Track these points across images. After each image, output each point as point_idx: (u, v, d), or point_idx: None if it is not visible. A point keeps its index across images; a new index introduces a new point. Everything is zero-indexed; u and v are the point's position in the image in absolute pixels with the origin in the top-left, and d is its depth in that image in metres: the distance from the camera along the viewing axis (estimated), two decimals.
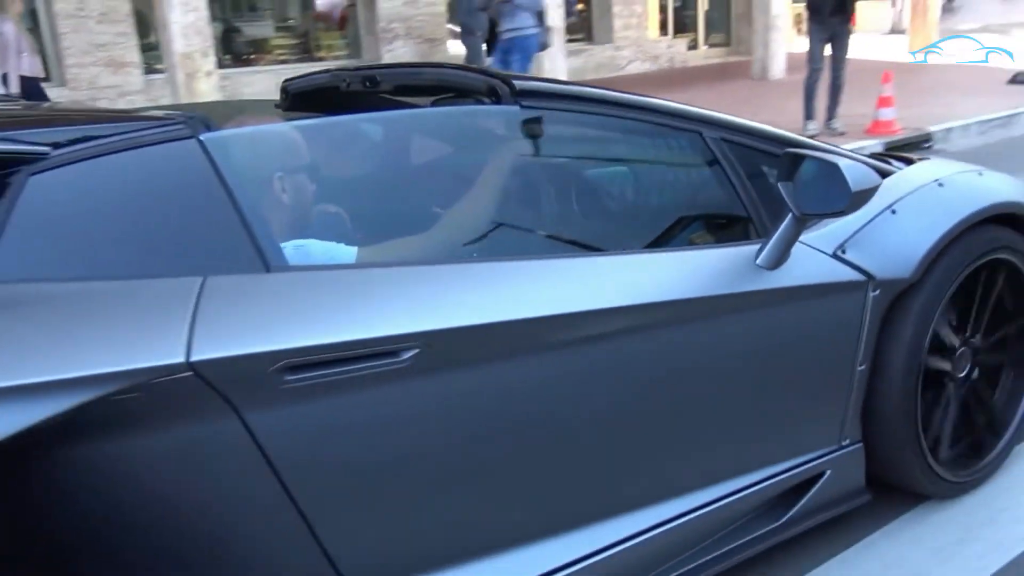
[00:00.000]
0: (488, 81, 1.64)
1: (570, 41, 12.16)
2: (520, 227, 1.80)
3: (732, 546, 1.73)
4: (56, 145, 1.22)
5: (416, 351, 1.26)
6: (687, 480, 1.67)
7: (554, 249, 1.77)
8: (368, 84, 1.89)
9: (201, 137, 1.31)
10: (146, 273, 1.20)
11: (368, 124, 1.91)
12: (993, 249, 1.99)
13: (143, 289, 1.18)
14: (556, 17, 8.23)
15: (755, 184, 1.81)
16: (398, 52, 9.65)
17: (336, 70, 2.05)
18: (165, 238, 1.25)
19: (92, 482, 1.13)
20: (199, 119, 1.34)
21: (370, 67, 1.98)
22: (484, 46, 9.15)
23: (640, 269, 1.58)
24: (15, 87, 6.19)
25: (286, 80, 2.17)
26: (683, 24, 13.32)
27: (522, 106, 1.60)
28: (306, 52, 9.83)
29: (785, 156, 1.63)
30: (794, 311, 1.72)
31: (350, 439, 1.28)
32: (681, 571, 1.66)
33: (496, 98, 1.61)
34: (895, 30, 15.87)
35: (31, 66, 6.43)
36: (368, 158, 1.94)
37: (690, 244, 1.81)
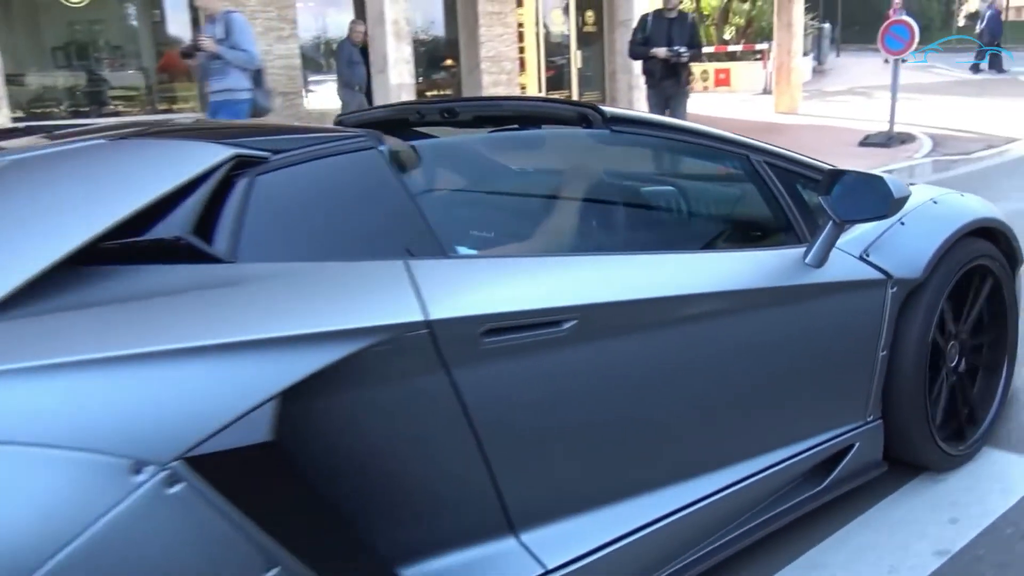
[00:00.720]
0: (579, 110, 1.94)
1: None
2: (628, 226, 2.24)
3: (781, 509, 2.01)
4: (274, 151, 1.46)
5: (574, 322, 1.53)
6: (752, 446, 1.95)
7: (654, 245, 2.17)
8: (446, 115, 2.16)
9: (379, 148, 1.58)
10: (355, 256, 1.44)
11: (492, 142, 2.28)
12: (977, 256, 2.38)
13: (361, 269, 1.42)
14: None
15: (792, 197, 2.15)
16: None
17: (400, 104, 2.45)
18: (366, 228, 1.51)
19: (356, 419, 1.34)
20: (373, 135, 1.62)
21: (444, 100, 2.38)
22: (364, 99, 8.89)
23: (717, 264, 1.92)
24: None
25: (339, 116, 2.48)
26: (558, 81, 13.29)
27: (612, 130, 1.92)
28: (149, 105, 9.27)
29: (826, 174, 1.99)
30: (832, 303, 2.07)
31: (524, 396, 1.52)
32: (743, 529, 1.92)
33: (588, 124, 1.91)
34: (767, 90, 16.26)
35: None
36: (496, 169, 2.35)
37: (748, 245, 2.21)
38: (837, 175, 1.97)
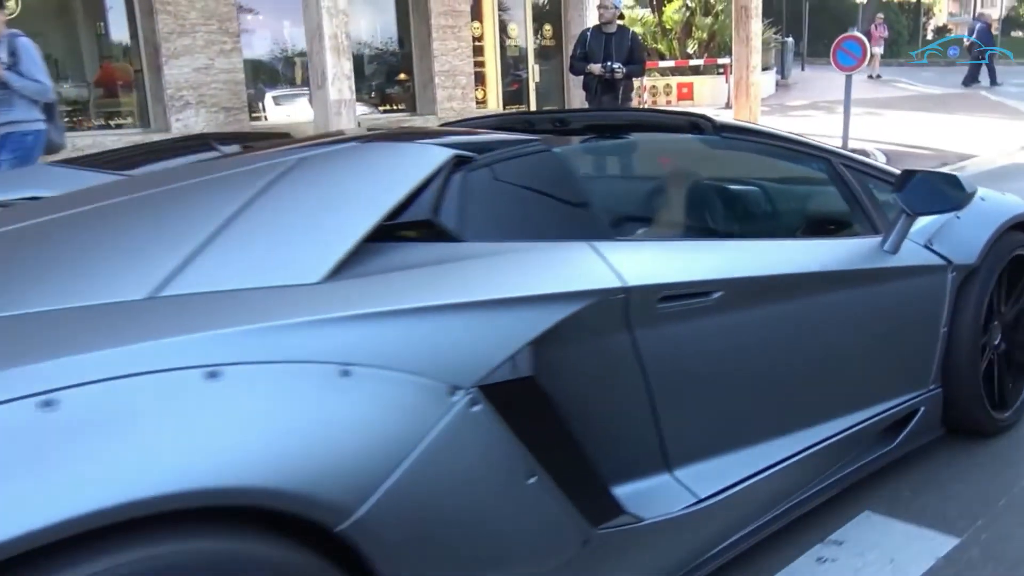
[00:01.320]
0: (691, 119, 2.25)
1: (392, 111, 11.78)
2: (746, 217, 2.53)
3: (863, 463, 2.30)
4: (479, 152, 1.78)
5: (720, 293, 1.83)
6: (846, 404, 2.25)
7: (767, 234, 2.48)
8: (558, 124, 2.41)
9: (554, 150, 1.93)
10: (550, 239, 1.75)
11: (627, 145, 2.55)
12: (1018, 246, 2.70)
13: (559, 247, 1.71)
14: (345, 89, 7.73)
15: (866, 194, 2.47)
16: (190, 121, 8.96)
17: (511, 114, 3.14)
18: (554, 216, 1.85)
19: (578, 362, 1.65)
20: (545, 140, 1.95)
21: (553, 111, 3.12)
22: None
23: (816, 249, 2.23)
24: None
25: (445, 122, 2.85)
26: (517, 95, 13.14)
27: (722, 136, 2.23)
28: (79, 122, 9.00)
29: (900, 174, 2.31)
30: (904, 284, 2.37)
31: (681, 352, 1.79)
32: (838, 476, 2.21)
33: (699, 131, 2.23)
34: (730, 104, 16.19)
35: None
36: (629, 167, 2.69)
37: (837, 235, 2.49)
38: (910, 174, 2.28)
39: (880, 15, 23.89)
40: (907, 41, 35.86)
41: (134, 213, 1.56)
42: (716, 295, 1.84)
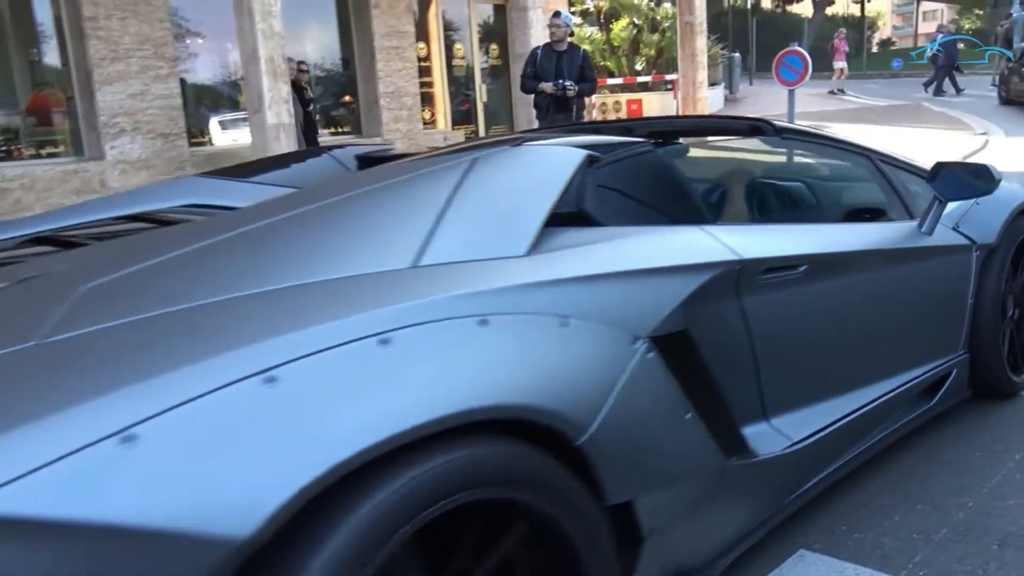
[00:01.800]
0: (753, 124, 2.60)
1: (338, 134, 11.63)
2: (812, 206, 2.83)
3: (910, 418, 2.63)
4: (603, 152, 2.09)
5: (805, 267, 2.16)
6: (898, 365, 2.57)
7: (830, 219, 2.77)
8: (625, 131, 2.58)
9: (658, 151, 2.28)
10: (669, 223, 2.12)
11: (706, 145, 3.01)
12: None
13: (679, 230, 2.03)
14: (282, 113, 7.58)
15: (901, 185, 2.82)
16: (125, 148, 8.72)
17: (583, 123, 3.25)
18: (668, 204, 2.20)
19: (707, 320, 1.89)
20: (648, 141, 2.29)
21: (642, 120, 3.05)
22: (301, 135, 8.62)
23: (870, 231, 2.60)
24: None
25: (522, 131, 3.54)
26: (467, 115, 13.06)
27: (782, 137, 2.60)
28: (12, 151, 8.72)
29: (933, 166, 2.66)
30: (938, 261, 2.72)
31: (777, 316, 2.10)
32: (890, 429, 2.54)
33: (761, 133, 2.57)
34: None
35: None
36: (712, 165, 2.97)
37: (882, 219, 2.76)
38: (941, 166, 2.66)
39: (842, 29, 24.23)
40: (853, 55, 36.52)
41: (369, 205, 1.82)
42: (801, 269, 2.17)
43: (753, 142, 2.92)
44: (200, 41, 10.43)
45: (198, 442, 1.08)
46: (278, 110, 7.58)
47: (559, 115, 7.53)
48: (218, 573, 1.05)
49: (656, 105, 16.92)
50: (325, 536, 1.14)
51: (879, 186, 2.81)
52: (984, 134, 12.29)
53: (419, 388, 1.30)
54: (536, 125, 7.96)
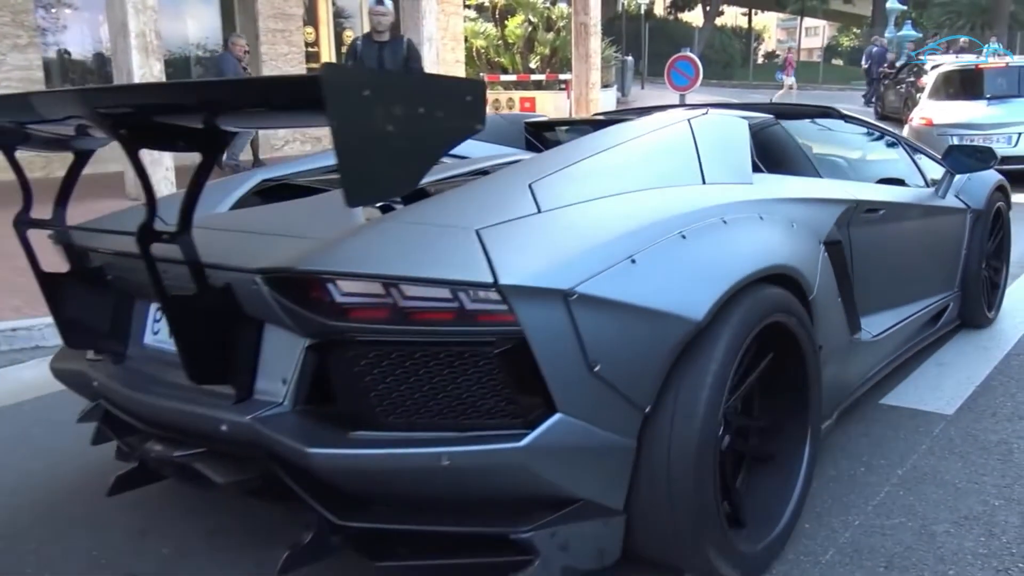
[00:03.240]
0: (822, 108, 3.35)
1: None
2: (875, 170, 3.56)
3: (924, 335, 3.50)
4: (762, 118, 2.90)
5: (883, 211, 2.98)
6: (923, 292, 3.44)
7: (885, 181, 3.41)
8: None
9: (780, 123, 2.96)
10: (803, 175, 2.84)
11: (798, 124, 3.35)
12: (999, 200, 4.10)
13: (811, 180, 2.82)
14: None
15: (922, 161, 3.79)
16: None
17: (650, 107, 3.99)
18: (798, 162, 2.90)
19: (843, 240, 2.66)
20: (773, 116, 2.97)
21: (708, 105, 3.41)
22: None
23: (910, 192, 3.43)
24: None
25: (597, 113, 4.94)
26: None
27: (845, 120, 3.39)
28: None
29: (947, 148, 3.83)
30: (947, 218, 3.66)
31: (866, 244, 2.82)
32: (914, 341, 3.39)
33: (830, 117, 3.34)
34: None
35: None
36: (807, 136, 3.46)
37: (913, 185, 3.57)
38: (952, 148, 3.80)
39: (792, 44, 24.65)
40: (739, 65, 37.66)
41: (653, 145, 2.39)
42: (881, 212, 2.97)
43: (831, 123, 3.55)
44: (68, 11, 9.73)
45: (670, 266, 1.90)
46: None
47: None
48: (680, 341, 1.83)
49: (550, 104, 16.85)
50: (730, 319, 1.92)
51: (908, 161, 3.70)
52: None
53: (748, 251, 2.09)
54: None
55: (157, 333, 2.12)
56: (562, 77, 16.04)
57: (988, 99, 9.02)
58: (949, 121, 8.84)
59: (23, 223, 2.05)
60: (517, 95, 16.66)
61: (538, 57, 17.85)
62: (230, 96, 1.58)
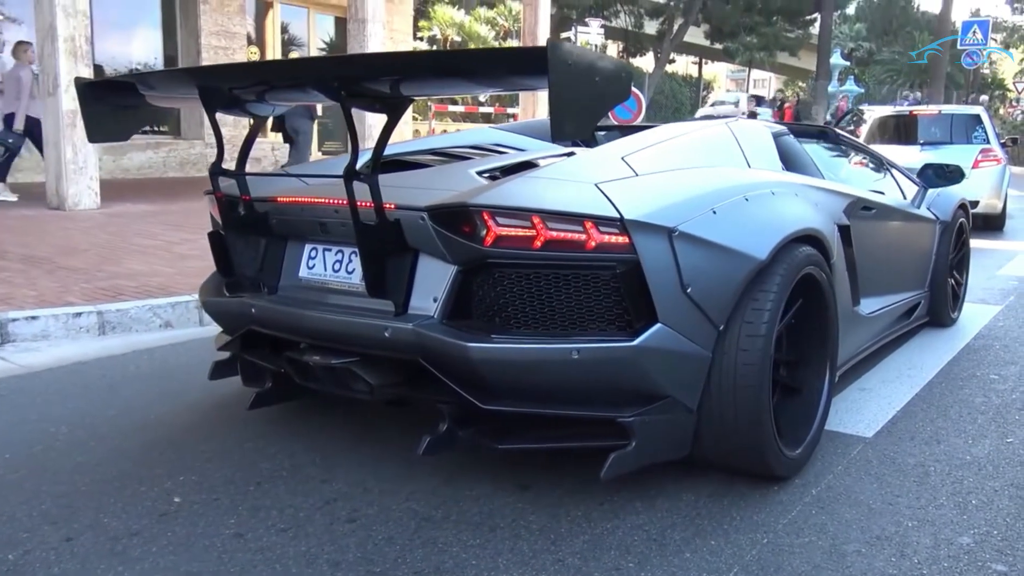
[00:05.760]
0: (819, 128, 4.24)
1: (155, 133, 10.81)
2: (864, 182, 4.07)
3: (900, 326, 4.06)
4: (784, 128, 3.55)
5: (875, 210, 3.50)
6: (901, 286, 3.94)
7: (875, 189, 3.97)
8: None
9: (793, 134, 3.57)
10: (811, 175, 3.31)
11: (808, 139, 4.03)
12: (961, 217, 4.73)
13: (819, 181, 3.26)
14: None
15: (899, 179, 4.44)
16: None
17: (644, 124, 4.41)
18: (807, 164, 3.41)
19: (850, 228, 3.12)
20: (786, 128, 3.60)
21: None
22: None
23: (894, 199, 4.00)
24: (20, 126, 7.56)
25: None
26: None
27: (837, 138, 4.24)
28: None
29: (922, 167, 4.52)
30: (920, 226, 4.25)
31: (862, 237, 3.23)
32: (892, 330, 3.93)
33: (826, 135, 4.19)
34: None
35: (35, 108, 7.50)
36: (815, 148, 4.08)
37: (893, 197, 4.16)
38: (927, 166, 4.48)
39: (794, 96, 25.04)
40: (688, 111, 38.35)
41: (701, 140, 2.95)
42: (873, 211, 3.48)
43: (826, 140, 4.21)
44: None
45: (741, 219, 2.45)
46: (75, 95, 6.84)
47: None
48: (749, 275, 2.34)
49: None
50: (783, 261, 2.44)
51: (888, 175, 4.31)
52: None
53: (792, 215, 2.64)
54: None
55: (312, 268, 2.59)
56: (510, 111, 16.09)
57: (921, 144, 9.20)
58: None
59: (216, 173, 2.62)
60: (467, 127, 16.66)
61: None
62: (471, 64, 2.30)
